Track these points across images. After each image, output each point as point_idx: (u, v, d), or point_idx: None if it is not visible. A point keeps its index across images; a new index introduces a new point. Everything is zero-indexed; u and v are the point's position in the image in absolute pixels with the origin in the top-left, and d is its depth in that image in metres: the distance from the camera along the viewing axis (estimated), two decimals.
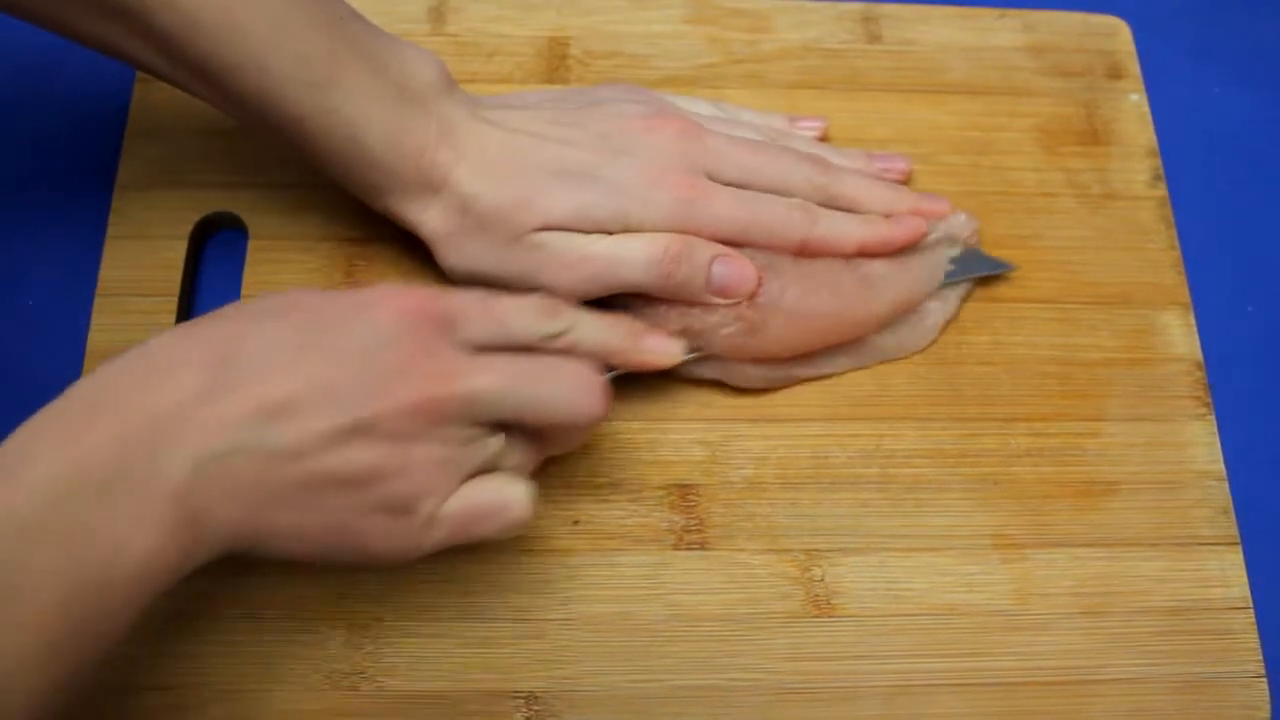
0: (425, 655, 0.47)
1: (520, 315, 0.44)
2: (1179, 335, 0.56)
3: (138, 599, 0.37)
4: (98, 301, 0.52)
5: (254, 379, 0.39)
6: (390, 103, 0.48)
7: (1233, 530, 0.52)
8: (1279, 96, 0.63)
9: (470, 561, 0.48)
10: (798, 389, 0.53)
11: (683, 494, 0.51)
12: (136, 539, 0.37)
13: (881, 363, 0.54)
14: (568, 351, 0.45)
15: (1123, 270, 0.57)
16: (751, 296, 0.50)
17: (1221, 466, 0.53)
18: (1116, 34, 0.62)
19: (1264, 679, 0.50)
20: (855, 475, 0.52)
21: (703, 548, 0.50)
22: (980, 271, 0.55)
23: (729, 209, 0.50)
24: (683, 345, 0.49)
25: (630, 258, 0.49)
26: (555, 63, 0.59)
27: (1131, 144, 0.60)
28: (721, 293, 0.50)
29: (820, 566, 0.50)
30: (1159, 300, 0.57)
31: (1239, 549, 0.52)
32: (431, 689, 0.47)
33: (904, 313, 0.54)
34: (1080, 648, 0.50)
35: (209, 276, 0.55)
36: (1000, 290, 0.56)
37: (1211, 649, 0.50)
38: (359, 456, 0.40)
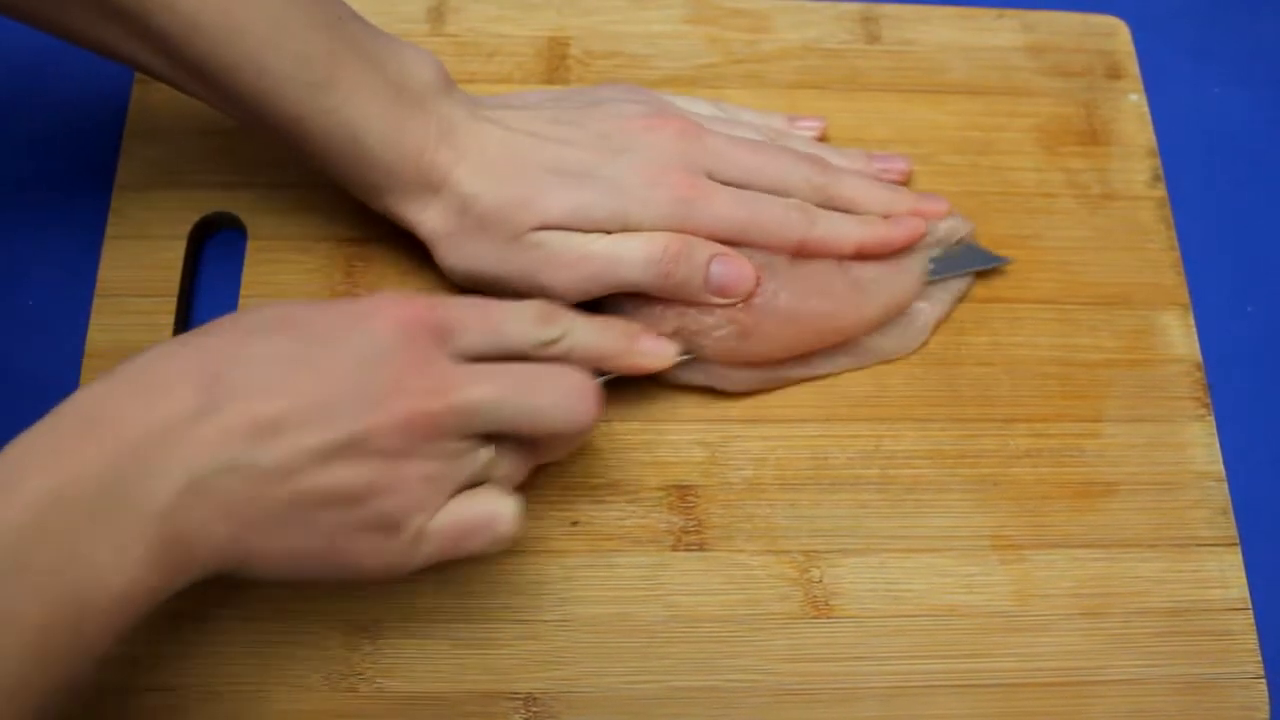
0: (423, 656, 0.48)
1: (516, 323, 0.44)
2: (1178, 335, 0.56)
3: (121, 619, 0.37)
4: (97, 301, 0.52)
5: (245, 397, 0.39)
6: (389, 103, 0.48)
7: (1232, 531, 0.52)
8: (1279, 96, 0.63)
9: (468, 563, 0.48)
10: (797, 390, 0.53)
11: (681, 495, 0.51)
12: (122, 562, 0.36)
13: (875, 364, 0.54)
14: (563, 357, 0.45)
15: (1122, 270, 0.57)
16: (749, 297, 0.50)
17: (1221, 467, 0.53)
18: (1116, 34, 0.62)
19: (1263, 680, 0.50)
20: (854, 476, 0.52)
21: (701, 549, 0.50)
22: (975, 266, 0.55)
23: (728, 209, 0.50)
24: (676, 346, 0.49)
25: (629, 257, 0.49)
26: (555, 63, 0.59)
27: (1131, 144, 0.60)
28: (720, 292, 0.50)
29: (819, 567, 0.50)
30: (1159, 300, 0.57)
31: (1238, 550, 0.52)
32: (429, 690, 0.47)
33: (894, 315, 0.54)
34: (1080, 649, 0.50)
35: (208, 277, 0.55)
36: (1000, 290, 0.56)
37: (1211, 650, 0.50)
38: (350, 473, 0.40)
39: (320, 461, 0.39)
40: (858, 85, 0.60)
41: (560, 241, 0.49)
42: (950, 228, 0.55)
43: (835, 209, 0.53)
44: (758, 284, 0.50)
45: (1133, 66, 0.62)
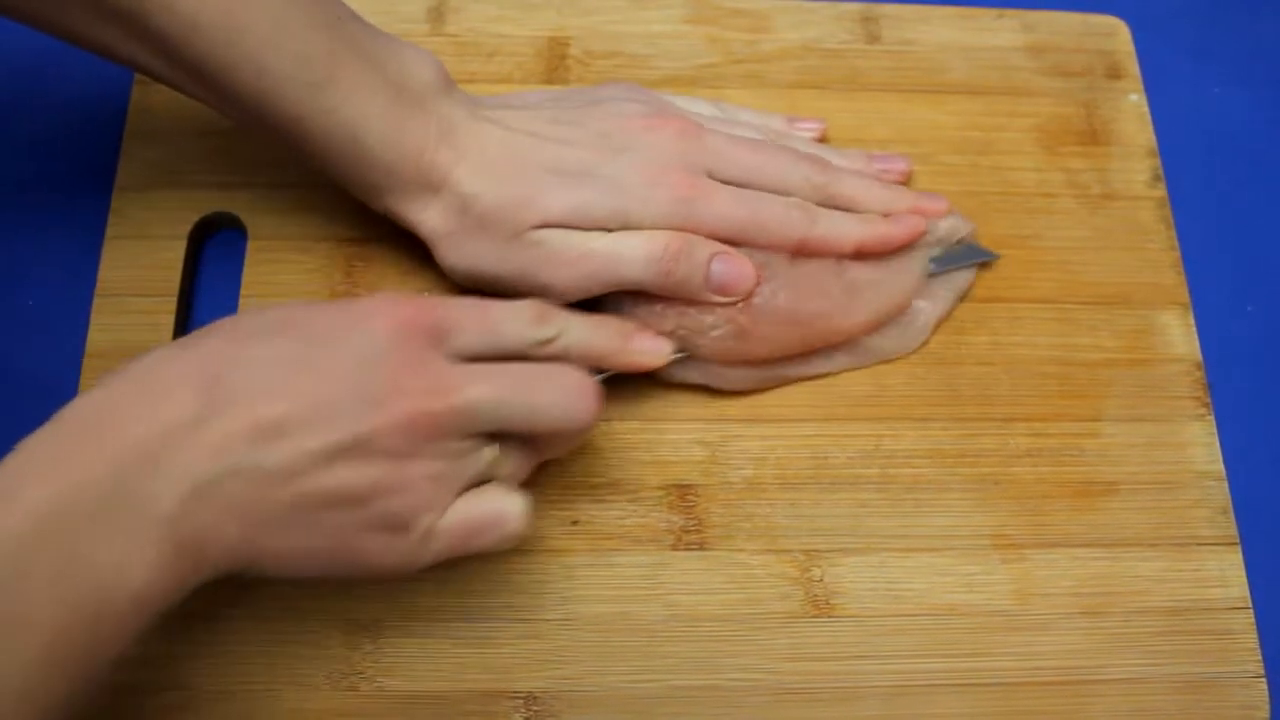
0: (424, 655, 0.48)
1: (512, 323, 0.44)
2: (1179, 335, 0.56)
3: (133, 623, 0.37)
4: (97, 301, 0.52)
5: (247, 400, 0.39)
6: (389, 103, 0.48)
7: (1232, 530, 0.52)
8: (1279, 96, 0.63)
9: (469, 562, 0.48)
10: (797, 389, 0.53)
11: (681, 494, 0.51)
12: (131, 566, 0.37)
13: (875, 364, 0.54)
14: (559, 356, 0.45)
15: (1122, 270, 0.57)
16: (749, 296, 0.50)
17: (1221, 466, 0.53)
18: (1116, 34, 0.62)
19: (1263, 679, 0.50)
20: (854, 475, 0.52)
21: (702, 548, 0.50)
22: (965, 261, 0.55)
23: (728, 208, 0.50)
24: (671, 345, 0.49)
25: (630, 255, 0.49)
26: (555, 63, 0.59)
27: (1131, 144, 0.60)
28: (720, 291, 0.50)
29: (820, 567, 0.50)
30: (1159, 300, 0.57)
31: (1238, 549, 0.52)
32: (430, 689, 0.47)
33: (892, 315, 0.54)
34: (1080, 648, 0.50)
35: (208, 276, 0.55)
36: (999, 290, 0.56)
37: (1211, 649, 0.50)
38: (354, 474, 0.40)
39: (323, 463, 0.39)
40: (858, 85, 0.60)
41: (560, 239, 0.49)
42: (950, 227, 0.55)
43: (835, 208, 0.53)
44: (757, 284, 0.50)
45: (1133, 66, 0.62)
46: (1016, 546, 0.51)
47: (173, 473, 0.37)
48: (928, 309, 0.54)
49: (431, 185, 0.49)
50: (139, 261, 0.53)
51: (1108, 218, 0.58)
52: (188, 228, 0.54)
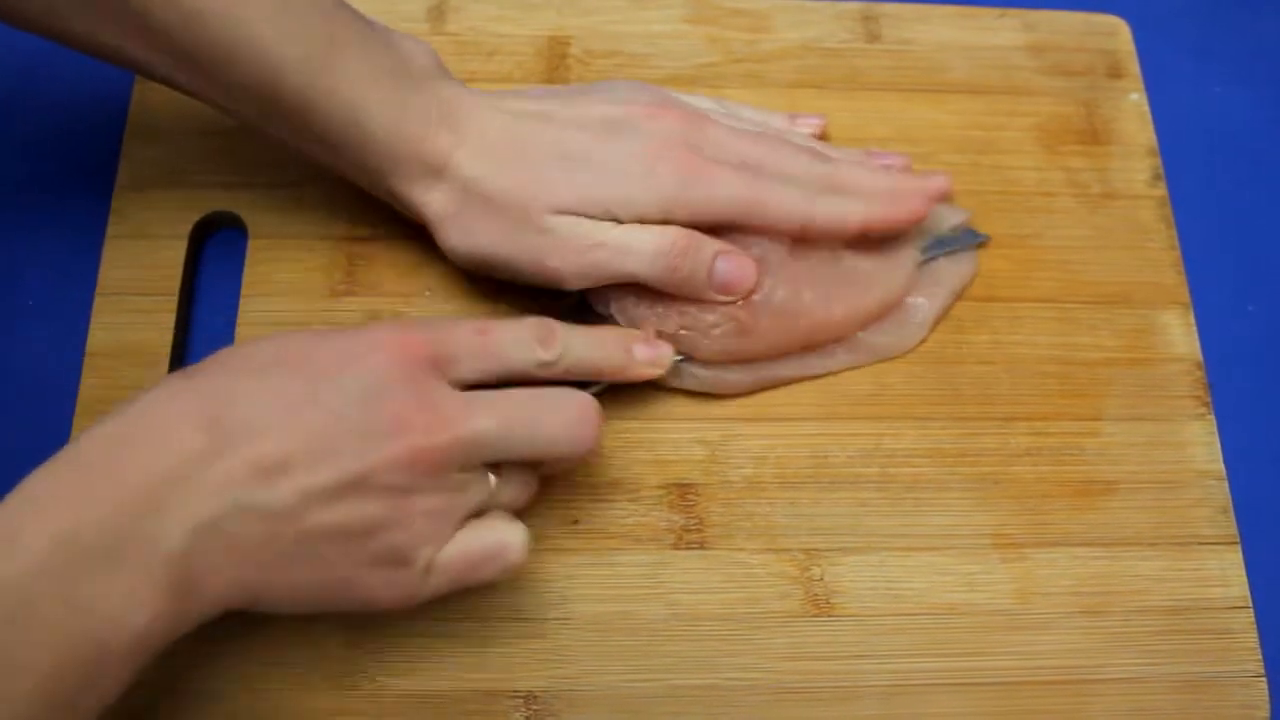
0: (425, 654, 0.47)
1: (514, 345, 0.44)
2: (1179, 335, 0.56)
3: (132, 662, 0.37)
4: (97, 301, 0.52)
5: (247, 439, 0.39)
6: (389, 85, 0.48)
7: (1232, 530, 0.52)
8: (1279, 96, 0.63)
9: None
10: (796, 389, 0.53)
11: (681, 493, 0.51)
12: (133, 607, 0.36)
13: (872, 362, 0.54)
14: (562, 375, 0.45)
15: (1123, 270, 0.57)
16: (750, 294, 0.50)
17: (1221, 466, 0.53)
18: (1117, 33, 0.62)
19: (1263, 679, 0.50)
20: (854, 475, 0.52)
21: (702, 547, 0.50)
22: (957, 245, 0.55)
23: (731, 187, 0.50)
24: (672, 350, 0.49)
25: (638, 248, 0.49)
26: (555, 62, 0.59)
27: (1131, 143, 0.60)
28: (723, 289, 0.50)
29: (819, 566, 0.50)
30: (1159, 300, 0.57)
31: (1238, 549, 0.52)
32: (431, 688, 0.47)
33: (889, 306, 0.54)
34: (1080, 647, 0.50)
35: (209, 276, 0.55)
36: (1000, 289, 0.56)
37: (1211, 649, 0.50)
38: (356, 511, 0.40)
39: (326, 500, 0.39)
40: (857, 84, 0.60)
41: (570, 227, 0.49)
42: (942, 216, 0.55)
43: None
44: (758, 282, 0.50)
45: (1133, 66, 0.62)
46: (1016, 546, 0.51)
47: (175, 513, 0.37)
48: (925, 306, 0.54)
49: (433, 168, 0.49)
50: (139, 261, 0.53)
51: (1108, 217, 0.58)
52: (188, 227, 0.54)
